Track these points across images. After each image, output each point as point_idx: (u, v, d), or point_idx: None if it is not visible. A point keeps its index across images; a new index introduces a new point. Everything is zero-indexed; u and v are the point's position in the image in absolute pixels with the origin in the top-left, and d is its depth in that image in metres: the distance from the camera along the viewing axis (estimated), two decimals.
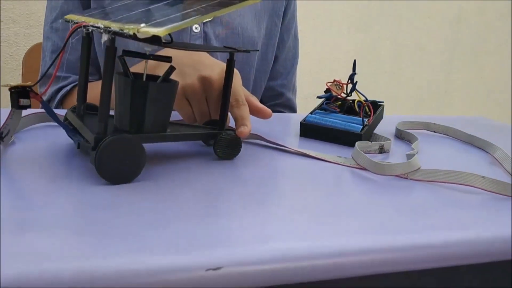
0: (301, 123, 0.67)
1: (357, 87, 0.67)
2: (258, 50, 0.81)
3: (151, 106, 0.44)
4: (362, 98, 0.67)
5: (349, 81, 0.67)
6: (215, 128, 0.53)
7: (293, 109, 1.03)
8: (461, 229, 0.39)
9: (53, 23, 0.83)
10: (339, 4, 2.01)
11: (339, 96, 0.68)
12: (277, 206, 0.41)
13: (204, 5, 0.42)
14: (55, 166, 0.45)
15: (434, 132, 0.77)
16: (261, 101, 0.89)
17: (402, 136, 0.71)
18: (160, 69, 0.59)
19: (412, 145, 0.64)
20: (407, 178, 0.51)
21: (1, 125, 0.46)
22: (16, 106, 0.42)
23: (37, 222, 0.33)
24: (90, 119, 0.48)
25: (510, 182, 0.47)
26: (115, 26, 0.38)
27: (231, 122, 0.60)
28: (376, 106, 0.68)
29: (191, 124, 0.56)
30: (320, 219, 0.38)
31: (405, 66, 2.21)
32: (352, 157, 0.55)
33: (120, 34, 0.38)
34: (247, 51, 0.52)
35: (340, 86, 0.68)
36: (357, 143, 0.56)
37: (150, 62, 0.60)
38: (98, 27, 0.39)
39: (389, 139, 0.63)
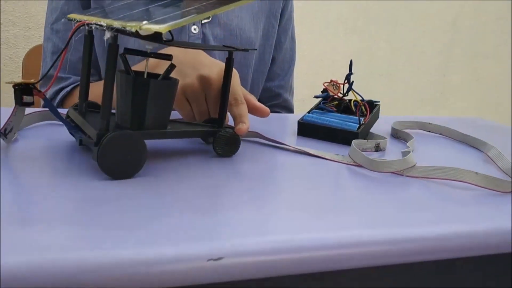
0: (298, 122, 0.68)
1: (353, 88, 0.68)
2: (256, 49, 0.82)
3: (152, 103, 0.45)
4: (359, 98, 0.68)
5: (346, 81, 0.68)
6: (214, 126, 0.54)
7: (290, 110, 1.03)
8: (455, 223, 0.40)
9: (54, 25, 0.83)
10: (336, 6, 2.03)
11: (336, 96, 0.69)
12: (276, 200, 0.42)
13: (204, 3, 0.43)
14: (57, 162, 0.46)
15: (429, 132, 0.78)
16: (259, 102, 0.90)
17: (397, 135, 0.72)
18: (160, 68, 0.59)
19: (408, 144, 0.65)
20: (402, 175, 0.52)
21: (1, 124, 0.46)
22: (20, 103, 0.42)
23: (40, 215, 0.34)
24: (92, 116, 0.49)
25: (503, 178, 0.48)
26: (117, 24, 0.39)
27: (230, 121, 0.61)
28: (372, 105, 0.69)
29: (190, 122, 0.57)
30: (318, 213, 0.39)
31: (402, 68, 2.23)
32: (349, 155, 0.56)
33: (123, 32, 0.39)
34: (246, 50, 0.53)
35: (337, 86, 0.69)
36: (353, 141, 0.57)
37: (151, 61, 0.61)
38: (101, 25, 0.40)
39: (385, 138, 0.64)
